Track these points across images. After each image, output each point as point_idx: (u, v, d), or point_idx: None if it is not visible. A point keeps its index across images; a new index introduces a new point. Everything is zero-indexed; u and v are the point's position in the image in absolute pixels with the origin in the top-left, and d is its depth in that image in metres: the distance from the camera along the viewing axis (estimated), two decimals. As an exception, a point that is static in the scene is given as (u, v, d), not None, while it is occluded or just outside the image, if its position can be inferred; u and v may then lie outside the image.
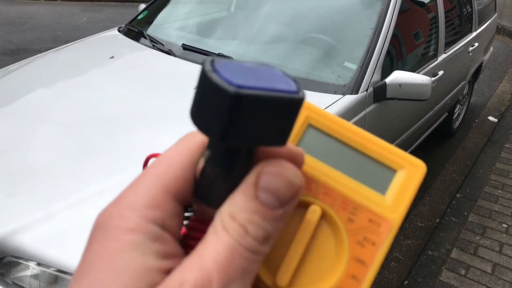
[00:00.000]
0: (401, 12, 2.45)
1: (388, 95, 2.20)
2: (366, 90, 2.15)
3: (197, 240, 0.21)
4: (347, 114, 2.06)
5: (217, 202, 0.22)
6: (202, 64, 0.20)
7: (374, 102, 2.21)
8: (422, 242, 2.64)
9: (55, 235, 1.34)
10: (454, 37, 3.23)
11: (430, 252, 2.54)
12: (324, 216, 0.25)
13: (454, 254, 2.53)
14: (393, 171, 0.25)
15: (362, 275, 0.23)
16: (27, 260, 1.32)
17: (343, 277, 0.24)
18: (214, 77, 0.19)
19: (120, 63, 2.34)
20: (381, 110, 2.29)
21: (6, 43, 5.09)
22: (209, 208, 0.23)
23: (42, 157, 1.66)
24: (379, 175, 0.25)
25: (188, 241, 0.23)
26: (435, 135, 3.62)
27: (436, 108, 3.14)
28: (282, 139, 0.21)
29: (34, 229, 1.36)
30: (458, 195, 3.10)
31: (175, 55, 2.32)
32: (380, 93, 2.20)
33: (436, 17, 2.93)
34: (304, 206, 0.25)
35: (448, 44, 3.08)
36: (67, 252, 1.30)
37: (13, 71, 2.31)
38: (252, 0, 2.81)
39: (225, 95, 0.19)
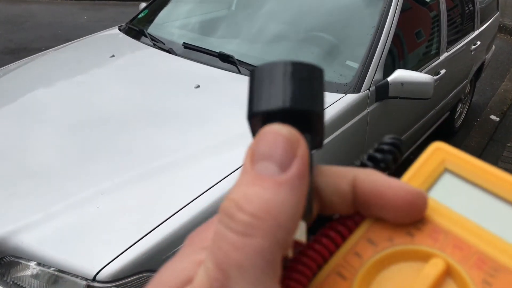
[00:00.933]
0: (403, 10, 2.43)
1: (390, 94, 2.19)
2: (368, 89, 2.14)
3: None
4: (349, 113, 2.04)
5: None
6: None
7: (376, 101, 2.20)
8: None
9: (55, 235, 1.34)
10: (456, 35, 3.22)
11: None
12: (450, 273, 0.20)
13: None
14: None
15: None
16: (27, 260, 1.32)
17: None
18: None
19: (120, 62, 2.33)
20: (383, 109, 2.28)
21: (7, 41, 5.08)
22: None
23: (42, 157, 1.65)
24: None
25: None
26: (436, 134, 3.61)
27: (438, 107, 3.13)
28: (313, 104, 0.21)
29: (34, 229, 1.36)
30: (460, 195, 3.08)
31: (176, 54, 2.31)
32: (382, 92, 2.19)
33: (438, 16, 2.91)
34: (425, 259, 0.21)
35: (450, 43, 3.07)
36: (67, 252, 1.29)
37: (13, 70, 2.30)
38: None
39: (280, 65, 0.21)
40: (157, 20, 2.76)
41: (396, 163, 0.24)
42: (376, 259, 0.21)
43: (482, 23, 3.74)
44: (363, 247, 0.22)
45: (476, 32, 3.58)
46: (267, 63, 0.21)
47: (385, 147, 0.25)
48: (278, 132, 0.19)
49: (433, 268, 0.20)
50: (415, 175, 0.23)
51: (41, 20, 5.94)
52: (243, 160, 0.20)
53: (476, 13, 3.59)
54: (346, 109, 2.02)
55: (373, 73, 2.17)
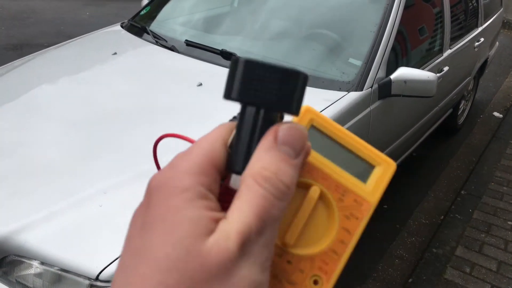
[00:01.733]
0: (406, 7, 2.42)
1: (393, 91, 2.18)
2: (371, 87, 2.13)
3: (227, 202, 0.27)
4: (352, 111, 2.04)
5: (242, 166, 0.28)
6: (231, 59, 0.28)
7: (379, 99, 2.19)
8: (426, 239, 2.63)
9: (58, 234, 1.34)
10: (459, 32, 3.20)
11: (434, 250, 2.53)
12: (321, 195, 0.32)
13: (459, 251, 2.52)
14: (372, 166, 0.34)
15: (348, 240, 0.32)
16: (30, 259, 1.32)
17: (334, 241, 0.31)
18: (234, 58, 0.28)
19: (123, 60, 2.33)
20: (386, 106, 2.28)
21: (9, 38, 5.08)
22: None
23: (46, 155, 1.65)
24: (362, 168, 0.33)
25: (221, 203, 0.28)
26: (439, 131, 3.60)
27: (441, 104, 3.12)
28: (292, 106, 0.28)
29: (37, 228, 1.36)
30: (462, 192, 3.08)
31: (178, 51, 2.31)
32: (385, 89, 2.18)
33: (441, 12, 2.90)
34: (307, 187, 0.32)
35: (454, 40, 3.05)
36: (70, 251, 1.29)
37: (17, 67, 2.30)
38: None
39: (238, 63, 0.27)
40: (159, 17, 2.76)
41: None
42: None
43: (485, 20, 3.71)
44: None
45: (480, 29, 3.56)
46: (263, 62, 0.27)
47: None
48: (299, 128, 0.28)
49: (314, 193, 0.32)
50: None
51: (43, 16, 5.93)
52: (264, 138, 0.27)
53: (479, 9, 3.57)
54: (348, 107, 2.02)
55: (376, 71, 2.17)
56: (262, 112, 0.28)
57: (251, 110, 0.28)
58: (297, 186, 0.30)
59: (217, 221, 0.25)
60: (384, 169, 0.34)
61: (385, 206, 2.90)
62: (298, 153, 0.27)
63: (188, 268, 0.23)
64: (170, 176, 0.26)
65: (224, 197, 0.29)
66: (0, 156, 1.65)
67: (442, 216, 2.84)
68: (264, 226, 0.25)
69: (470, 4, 3.46)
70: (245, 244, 0.24)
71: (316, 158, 0.33)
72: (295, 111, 0.28)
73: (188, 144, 0.33)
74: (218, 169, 0.27)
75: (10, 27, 5.45)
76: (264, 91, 0.27)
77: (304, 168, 0.32)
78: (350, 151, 0.34)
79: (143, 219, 0.25)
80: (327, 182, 0.32)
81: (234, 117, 0.33)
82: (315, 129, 0.34)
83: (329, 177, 0.32)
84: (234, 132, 0.29)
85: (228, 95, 0.28)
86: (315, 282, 0.31)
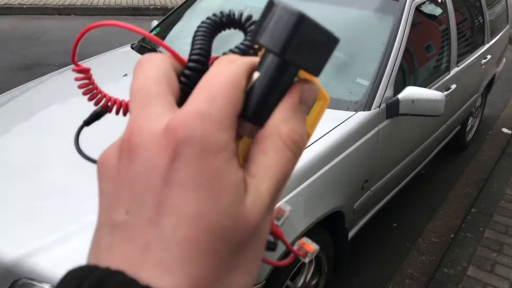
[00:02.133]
0: (413, 25, 2.44)
1: (401, 111, 2.19)
2: (379, 106, 2.14)
3: None
4: (360, 130, 2.05)
5: (265, 119, 0.26)
6: None
7: (386, 118, 2.20)
8: (437, 258, 2.61)
9: (70, 257, 1.35)
10: (466, 49, 3.21)
11: (445, 269, 2.50)
12: None
13: (471, 271, 2.49)
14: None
15: None
16: (42, 282, 1.33)
17: None
18: (281, 2, 0.25)
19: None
20: (394, 125, 2.28)
21: (22, 58, 5.18)
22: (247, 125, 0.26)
23: (59, 176, 1.67)
24: None
25: None
26: (448, 148, 3.58)
27: (449, 121, 3.12)
28: (318, 70, 0.26)
29: (48, 251, 1.37)
30: (473, 210, 3.06)
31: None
32: (393, 109, 2.19)
33: (448, 30, 2.91)
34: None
35: (461, 57, 3.07)
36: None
37: (31, 88, 2.34)
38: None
39: (291, 16, 0.24)
40: (169, 37, 2.80)
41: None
42: None
43: (492, 37, 3.72)
44: None
45: (487, 46, 3.57)
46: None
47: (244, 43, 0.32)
48: (314, 89, 0.27)
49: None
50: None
51: (54, 36, 6.04)
52: (290, 96, 0.26)
53: (486, 27, 3.58)
54: (357, 126, 2.03)
55: (384, 91, 2.18)
56: (293, 69, 0.26)
57: (281, 64, 0.25)
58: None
59: (244, 178, 0.25)
60: (322, 103, 0.33)
61: (395, 225, 2.88)
62: (309, 108, 0.28)
63: (237, 234, 0.23)
64: (205, 129, 0.23)
65: None
66: (14, 177, 1.68)
67: (453, 235, 2.81)
68: (285, 185, 0.26)
69: (476, 21, 3.48)
70: (272, 203, 0.25)
71: None
72: (319, 73, 0.27)
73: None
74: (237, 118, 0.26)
75: (23, 47, 5.56)
76: (306, 53, 0.25)
77: None
78: None
79: (168, 173, 0.23)
80: None
81: (231, 50, 0.31)
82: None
83: None
84: (254, 77, 0.26)
85: (273, 45, 0.24)
86: None
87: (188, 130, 0.23)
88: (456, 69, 2.97)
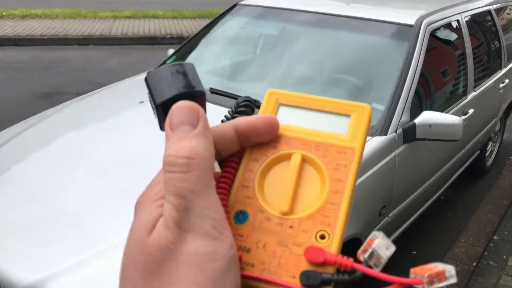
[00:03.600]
0: (428, 50, 2.44)
1: (418, 136, 2.16)
2: (395, 131, 2.12)
3: None
4: (377, 155, 2.02)
5: None
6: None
7: (403, 143, 2.17)
8: (459, 288, 2.52)
9: (85, 283, 1.34)
10: (483, 73, 3.18)
11: (468, 299, 2.41)
12: (305, 159, 0.35)
13: (495, 301, 2.40)
14: (348, 116, 0.36)
15: (342, 188, 0.33)
16: (56, 309, 1.32)
17: (329, 193, 0.33)
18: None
19: (149, 108, 2.38)
20: (411, 150, 2.25)
21: (41, 86, 5.31)
22: None
23: (75, 202, 1.68)
24: (338, 122, 0.36)
25: None
26: (467, 174, 3.51)
27: (467, 146, 3.07)
28: (164, 97, 0.32)
29: (64, 277, 1.36)
30: (495, 237, 2.96)
31: (203, 99, 2.36)
32: (409, 134, 2.16)
33: (463, 55, 2.90)
34: (288, 157, 0.35)
35: (478, 81, 3.04)
36: (95, 302, 1.29)
37: (49, 115, 2.38)
38: (277, 42, 2.86)
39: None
40: (185, 65, 2.84)
41: (253, 112, 0.40)
42: (262, 168, 0.35)
43: (510, 61, 3.69)
44: (251, 164, 0.35)
45: (504, 70, 3.54)
46: (156, 70, 0.33)
47: (242, 104, 0.40)
48: (183, 105, 0.30)
49: (295, 159, 0.34)
50: (264, 111, 0.38)
51: (73, 65, 6.20)
52: (165, 135, 0.30)
53: (502, 51, 3.56)
54: (373, 152, 2.00)
55: (400, 115, 2.16)
56: (159, 108, 0.33)
57: (157, 109, 0.33)
58: (280, 159, 0.35)
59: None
60: (358, 114, 0.36)
61: (414, 252, 2.80)
62: (195, 124, 0.29)
63: (140, 260, 0.27)
64: None
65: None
66: (32, 202, 1.69)
67: (475, 263, 2.72)
68: (187, 200, 0.27)
69: (493, 45, 3.46)
70: (179, 224, 0.27)
71: (290, 129, 0.36)
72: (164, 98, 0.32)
73: None
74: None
75: (42, 76, 5.70)
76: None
77: (281, 143, 0.36)
78: (322, 112, 0.37)
79: None
80: (307, 146, 0.35)
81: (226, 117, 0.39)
82: (285, 105, 0.38)
83: (307, 141, 0.35)
84: None
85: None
86: (322, 237, 0.33)
87: None
88: (473, 94, 2.94)
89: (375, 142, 2.03)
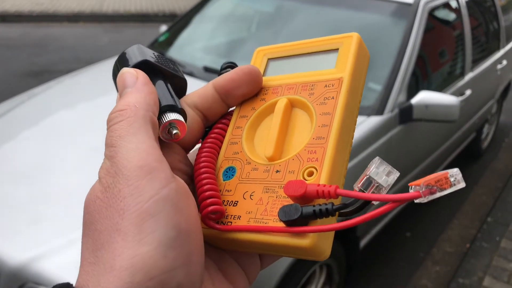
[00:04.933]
0: (427, 30, 2.39)
1: (415, 116, 2.13)
2: (392, 111, 2.09)
3: None
4: (372, 135, 1.99)
5: None
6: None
7: (400, 124, 2.14)
8: (452, 269, 2.53)
9: (76, 262, 1.31)
10: (481, 55, 3.14)
11: (460, 280, 2.42)
12: (293, 104, 0.34)
13: (487, 282, 2.41)
14: (336, 50, 0.35)
15: (329, 121, 0.31)
16: (48, 286, 1.29)
17: (315, 129, 0.32)
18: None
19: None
20: (407, 131, 2.22)
21: (31, 64, 5.20)
22: None
23: (65, 181, 1.64)
24: (327, 58, 0.35)
25: None
26: (463, 156, 3.50)
27: (463, 128, 3.05)
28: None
29: (55, 255, 1.34)
30: (489, 219, 2.97)
31: (196, 77, 2.30)
32: (406, 114, 2.13)
33: (462, 35, 2.85)
34: (275, 104, 0.34)
35: (475, 62, 3.00)
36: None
37: (38, 93, 2.32)
38: (273, 20, 2.79)
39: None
40: (178, 43, 2.77)
41: None
42: (250, 123, 0.35)
43: (508, 42, 3.66)
44: (239, 121, 0.35)
45: (502, 51, 3.50)
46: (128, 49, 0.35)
47: (225, 66, 0.39)
48: (121, 73, 0.33)
49: (280, 104, 0.34)
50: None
51: (64, 43, 6.07)
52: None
53: (501, 32, 3.52)
54: (369, 132, 1.97)
55: (397, 95, 2.12)
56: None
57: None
58: (269, 111, 0.34)
59: None
60: (346, 44, 0.35)
61: (408, 234, 2.80)
62: (133, 83, 0.31)
63: (83, 220, 0.29)
64: None
65: None
66: (21, 182, 1.65)
67: (468, 244, 2.73)
68: (115, 147, 0.28)
69: (491, 26, 3.41)
70: (109, 171, 0.28)
71: (277, 78, 0.36)
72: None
73: None
74: None
75: (32, 54, 5.58)
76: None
77: (269, 94, 0.35)
78: (311, 54, 0.36)
79: None
80: (293, 89, 0.34)
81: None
82: (274, 59, 0.38)
83: (293, 85, 0.35)
84: None
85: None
86: (310, 174, 0.30)
87: None
88: (470, 74, 2.90)
89: (371, 122, 2.00)
